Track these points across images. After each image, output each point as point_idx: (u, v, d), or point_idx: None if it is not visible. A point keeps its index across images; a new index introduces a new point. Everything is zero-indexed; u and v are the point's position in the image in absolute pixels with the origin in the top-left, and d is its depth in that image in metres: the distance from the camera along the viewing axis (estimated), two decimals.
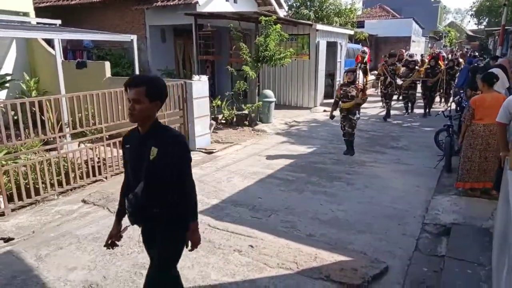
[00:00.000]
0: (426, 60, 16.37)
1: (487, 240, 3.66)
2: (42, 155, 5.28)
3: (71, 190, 5.27)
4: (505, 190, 3.11)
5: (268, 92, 9.96)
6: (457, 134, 6.68)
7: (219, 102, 9.75)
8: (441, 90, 10.98)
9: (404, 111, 11.31)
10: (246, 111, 9.53)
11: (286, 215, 4.47)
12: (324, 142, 7.91)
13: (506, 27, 12.93)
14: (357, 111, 6.64)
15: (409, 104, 11.26)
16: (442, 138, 6.60)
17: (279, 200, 4.88)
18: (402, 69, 11.29)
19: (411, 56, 12.29)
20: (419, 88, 11.23)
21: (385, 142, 7.92)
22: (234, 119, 9.61)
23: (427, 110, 10.85)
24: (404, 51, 15.13)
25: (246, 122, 9.48)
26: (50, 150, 5.46)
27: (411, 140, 8.09)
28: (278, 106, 11.24)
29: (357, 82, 6.59)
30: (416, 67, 11.20)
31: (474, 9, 36.85)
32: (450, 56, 14.07)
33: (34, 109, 4.90)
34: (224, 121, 9.70)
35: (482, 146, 4.61)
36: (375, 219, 4.35)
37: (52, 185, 5.02)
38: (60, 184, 5.13)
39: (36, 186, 4.84)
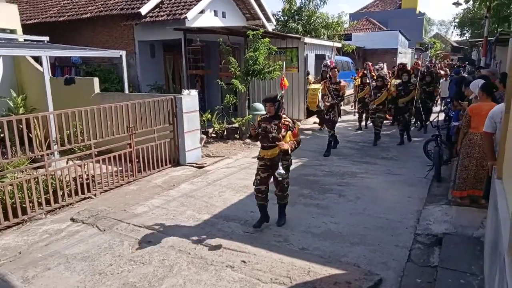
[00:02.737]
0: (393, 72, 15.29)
1: (479, 249, 3.67)
2: (30, 173, 5.20)
3: (59, 208, 5.17)
4: (494, 199, 3.14)
5: (258, 105, 9.99)
6: (446, 144, 6.78)
7: (209, 116, 9.75)
8: (413, 110, 8.85)
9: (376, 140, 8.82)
10: (236, 124, 9.54)
11: (278, 228, 4.44)
12: (315, 154, 7.93)
13: (488, 39, 13.27)
14: (280, 164, 4.13)
15: (379, 130, 8.85)
16: (431, 148, 6.68)
17: (271, 214, 4.81)
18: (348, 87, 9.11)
19: (377, 70, 10.03)
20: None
21: (375, 153, 7.98)
22: (225, 133, 9.61)
23: (405, 137, 8.69)
24: (370, 64, 12.35)
25: (237, 136, 9.48)
26: (37, 168, 5.38)
27: (401, 150, 8.16)
28: None
29: (283, 116, 4.27)
30: (385, 87, 8.91)
31: (457, 20, 37.86)
32: (424, 68, 10.56)
33: (21, 126, 4.84)
34: (214, 135, 9.69)
35: (479, 155, 4.60)
36: (368, 231, 4.35)
37: (39, 203, 4.92)
38: (48, 202, 5.04)
39: (23, 205, 4.74)
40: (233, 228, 4.48)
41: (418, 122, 10.26)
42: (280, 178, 4.22)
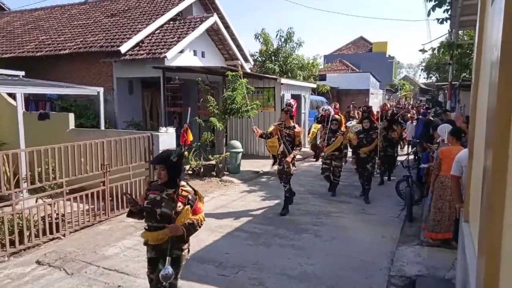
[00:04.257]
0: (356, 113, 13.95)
1: None
2: None
3: (24, 250, 4.91)
4: (462, 242, 3.25)
5: (236, 142, 10.10)
6: (417, 184, 6.99)
7: (186, 153, 9.72)
8: (376, 161, 7.75)
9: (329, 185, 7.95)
10: (213, 162, 9.55)
11: (254, 271, 4.37)
12: None
13: (452, 83, 14.13)
14: (168, 259, 2.85)
15: (332, 180, 7.84)
16: (403, 188, 6.86)
17: (247, 255, 4.79)
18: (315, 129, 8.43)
19: (324, 110, 8.71)
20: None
21: (349, 192, 8.11)
22: (202, 170, 9.57)
23: (365, 193, 7.46)
24: (337, 104, 12.01)
25: (214, 173, 9.45)
26: (3, 206, 5.14)
27: (374, 189, 8.28)
28: (246, 156, 11.36)
29: (181, 184, 3.01)
30: (340, 131, 7.69)
31: (423, 64, 40.28)
32: (389, 110, 9.65)
33: None
34: (191, 172, 9.62)
35: (452, 197, 4.66)
36: (343, 272, 4.35)
37: (3, 245, 4.68)
38: (12, 243, 4.79)
39: None
40: (207, 271, 4.38)
41: (380, 174, 8.83)
42: (165, 284, 2.85)
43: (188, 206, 2.94)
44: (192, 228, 2.92)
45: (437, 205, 4.90)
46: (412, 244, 5.10)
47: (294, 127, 6.48)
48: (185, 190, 3.00)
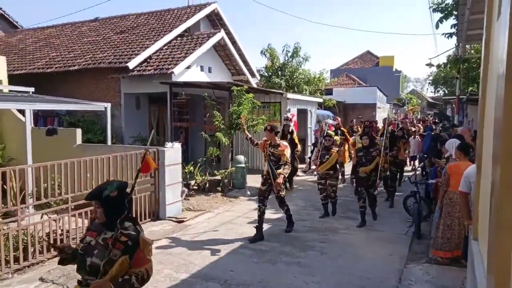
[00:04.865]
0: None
1: None
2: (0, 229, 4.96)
3: (28, 266, 4.89)
4: (471, 260, 3.15)
5: (241, 157, 10.08)
6: (425, 200, 6.87)
7: (191, 168, 9.73)
8: (378, 182, 6.86)
9: (323, 213, 7.27)
10: (219, 177, 9.52)
11: None
12: (296, 208, 7.88)
13: (460, 97, 14.06)
14: None
15: (328, 200, 7.23)
16: (411, 204, 6.74)
17: (251, 273, 4.71)
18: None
19: (327, 124, 8.29)
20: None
21: (356, 208, 7.92)
22: (207, 185, 9.54)
23: (374, 215, 6.97)
24: (338, 118, 11.45)
25: (219, 188, 9.42)
26: (9, 222, 5.15)
27: (382, 205, 8.17)
28: (251, 171, 11.29)
29: (123, 227, 2.38)
30: (334, 148, 7.19)
31: (431, 78, 40.22)
32: (391, 125, 8.89)
33: None
34: (196, 187, 9.59)
35: (460, 214, 4.57)
36: None
37: (7, 262, 4.66)
38: (16, 260, 4.78)
39: None
40: None
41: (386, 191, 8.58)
42: None
43: (125, 257, 2.24)
44: (128, 285, 2.19)
45: (446, 222, 4.79)
46: (421, 262, 4.98)
47: (279, 145, 5.99)
48: (125, 235, 2.30)
